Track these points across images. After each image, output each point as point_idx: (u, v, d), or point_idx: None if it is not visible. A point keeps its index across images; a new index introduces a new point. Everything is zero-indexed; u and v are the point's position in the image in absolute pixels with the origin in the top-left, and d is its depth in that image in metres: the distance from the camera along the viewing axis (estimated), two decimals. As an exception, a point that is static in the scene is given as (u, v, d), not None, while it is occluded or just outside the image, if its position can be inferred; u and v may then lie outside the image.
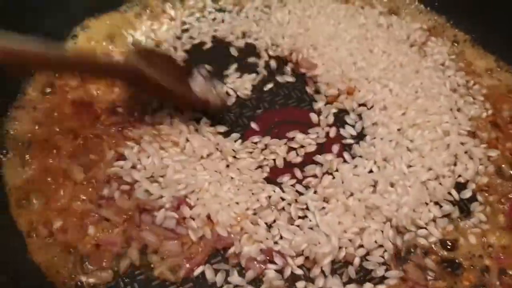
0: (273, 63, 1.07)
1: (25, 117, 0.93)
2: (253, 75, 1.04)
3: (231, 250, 0.78)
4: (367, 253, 0.80)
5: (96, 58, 0.86)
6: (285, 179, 0.87)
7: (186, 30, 1.11)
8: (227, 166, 0.88)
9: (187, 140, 0.90)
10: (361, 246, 0.81)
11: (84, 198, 0.84)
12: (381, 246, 0.81)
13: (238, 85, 1.02)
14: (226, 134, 0.93)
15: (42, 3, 0.97)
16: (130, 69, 0.82)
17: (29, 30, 0.86)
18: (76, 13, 1.06)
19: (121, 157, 0.88)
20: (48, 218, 0.82)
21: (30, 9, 0.94)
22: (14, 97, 0.95)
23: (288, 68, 1.06)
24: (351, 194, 0.85)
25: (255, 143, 0.92)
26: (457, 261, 0.80)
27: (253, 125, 0.95)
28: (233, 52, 1.08)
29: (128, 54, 0.86)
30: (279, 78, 1.04)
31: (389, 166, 0.90)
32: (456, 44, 1.13)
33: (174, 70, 0.90)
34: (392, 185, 0.87)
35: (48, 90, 0.97)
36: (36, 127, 0.92)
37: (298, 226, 0.82)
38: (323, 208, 0.83)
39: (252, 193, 0.84)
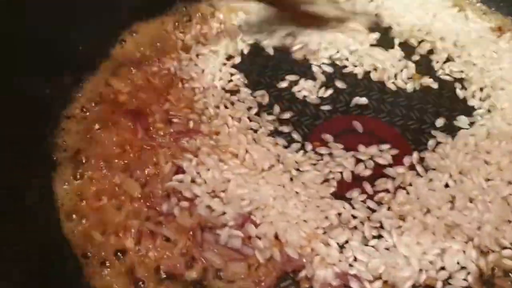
0: (329, 68, 0.99)
1: (75, 128, 0.89)
2: (310, 81, 0.97)
3: (303, 273, 0.73)
4: (449, 276, 0.75)
5: None
6: (355, 194, 0.81)
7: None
8: (291, 179, 0.83)
9: (247, 151, 0.85)
10: (442, 268, 0.75)
11: (142, 215, 0.78)
12: (463, 268, 0.75)
13: (296, 90, 0.97)
14: (286, 144, 0.88)
15: (90, 8, 0.90)
16: None
17: (77, 33, 0.84)
18: (124, 18, 1.01)
19: (179, 170, 0.83)
20: (104, 238, 0.77)
21: (79, 13, 0.88)
22: (64, 106, 0.90)
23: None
24: (428, 211, 0.80)
25: (320, 154, 0.84)
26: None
27: (315, 134, 0.90)
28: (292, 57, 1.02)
29: None
30: (339, 83, 0.96)
31: (466, 180, 0.83)
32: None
33: None
34: (471, 200, 0.81)
35: (98, 99, 0.93)
36: (87, 138, 0.88)
37: (373, 246, 0.76)
38: (399, 226, 0.76)
39: (321, 210, 0.79)
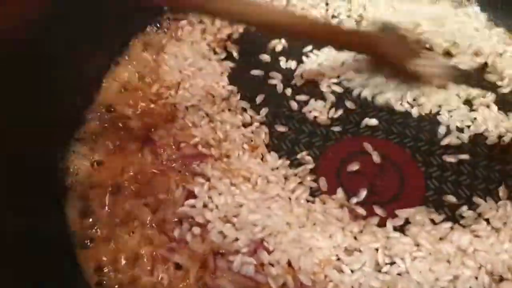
0: (337, 88, 0.99)
1: (85, 151, 0.89)
2: (320, 101, 0.97)
3: None
4: (461, 303, 0.73)
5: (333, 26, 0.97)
6: (369, 220, 0.80)
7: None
8: (303, 205, 0.82)
9: (259, 175, 0.85)
10: (454, 294, 0.74)
11: (154, 241, 0.79)
12: (475, 294, 0.74)
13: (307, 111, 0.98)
14: (296, 167, 0.89)
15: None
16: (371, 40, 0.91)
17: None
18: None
19: (190, 194, 0.83)
20: (117, 265, 0.77)
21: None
22: (75, 128, 0.91)
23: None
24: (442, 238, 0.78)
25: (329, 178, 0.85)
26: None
27: (325, 159, 0.90)
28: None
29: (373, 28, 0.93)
30: (349, 104, 0.97)
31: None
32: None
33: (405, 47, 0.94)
34: (497, 230, 0.81)
35: (105, 124, 0.93)
36: (96, 162, 0.89)
37: (385, 272, 0.75)
38: (413, 252, 0.76)
39: (334, 236, 0.78)
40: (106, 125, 0.94)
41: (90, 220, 0.82)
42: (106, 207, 0.84)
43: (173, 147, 0.91)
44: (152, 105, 0.97)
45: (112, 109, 0.96)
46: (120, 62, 1.03)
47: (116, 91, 0.99)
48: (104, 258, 0.79)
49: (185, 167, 0.88)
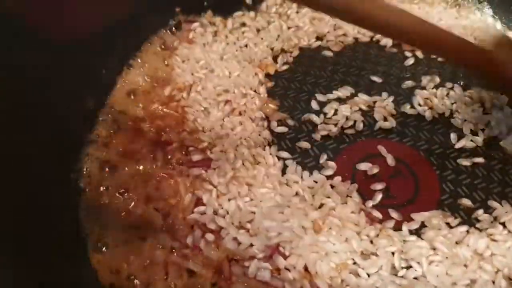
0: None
1: (98, 154, 0.90)
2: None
3: None
4: (479, 307, 0.73)
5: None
6: (385, 223, 0.80)
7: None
8: (317, 209, 0.81)
9: (271, 180, 0.86)
10: (472, 298, 0.74)
11: (167, 247, 0.79)
12: (492, 298, 0.74)
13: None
14: (310, 172, 0.89)
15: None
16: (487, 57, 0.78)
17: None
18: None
19: (199, 201, 0.84)
20: (130, 270, 0.78)
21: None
22: (88, 131, 0.92)
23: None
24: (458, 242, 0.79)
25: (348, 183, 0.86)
26: None
27: (338, 162, 0.91)
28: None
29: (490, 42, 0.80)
30: (363, 106, 0.97)
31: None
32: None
33: None
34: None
35: (116, 126, 0.95)
36: (108, 166, 0.89)
37: (402, 276, 0.75)
38: (430, 256, 0.75)
39: (350, 240, 0.77)
40: (118, 128, 0.94)
41: (103, 223, 0.82)
42: (118, 210, 0.84)
43: (183, 151, 0.91)
44: (164, 108, 0.97)
45: (124, 112, 0.96)
46: (132, 65, 1.04)
47: (128, 94, 0.99)
48: (117, 262, 0.78)
49: (193, 173, 0.88)
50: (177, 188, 0.86)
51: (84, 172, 0.88)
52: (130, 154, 0.91)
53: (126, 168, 0.89)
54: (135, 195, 0.86)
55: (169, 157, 0.90)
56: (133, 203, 0.85)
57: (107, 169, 0.89)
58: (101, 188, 0.87)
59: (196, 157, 0.90)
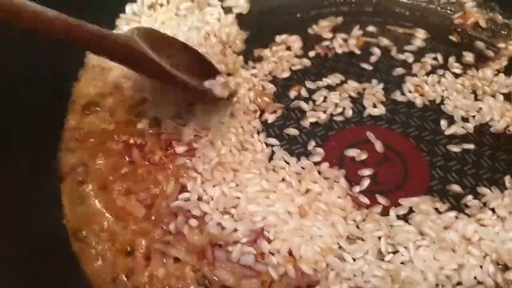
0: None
1: (72, 151, 0.90)
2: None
3: None
4: (466, 291, 0.73)
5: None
6: (372, 209, 0.80)
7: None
8: (304, 195, 0.81)
9: (255, 167, 0.86)
10: (459, 283, 0.75)
11: (149, 234, 0.79)
12: (480, 283, 0.75)
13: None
14: (298, 158, 0.89)
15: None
16: (126, 45, 0.78)
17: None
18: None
19: (184, 188, 0.84)
20: (112, 259, 0.78)
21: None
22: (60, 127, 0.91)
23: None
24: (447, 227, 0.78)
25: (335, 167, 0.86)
26: None
27: (326, 148, 0.90)
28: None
29: (130, 32, 0.82)
30: (352, 93, 0.98)
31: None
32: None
33: (184, 57, 0.88)
34: (502, 219, 0.81)
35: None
36: (83, 162, 0.89)
37: (388, 261, 0.74)
38: (417, 241, 0.75)
39: (336, 225, 0.76)
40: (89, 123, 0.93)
41: (83, 210, 0.83)
42: (97, 203, 0.84)
43: (163, 145, 0.90)
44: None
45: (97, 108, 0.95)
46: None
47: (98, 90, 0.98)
48: (100, 250, 0.79)
49: (176, 163, 0.87)
50: (159, 178, 0.85)
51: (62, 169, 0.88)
52: (104, 154, 0.89)
53: (102, 166, 0.88)
54: (113, 189, 0.85)
55: (145, 150, 0.89)
56: (112, 197, 0.84)
57: (80, 167, 0.88)
58: (78, 183, 0.86)
59: (180, 149, 0.89)
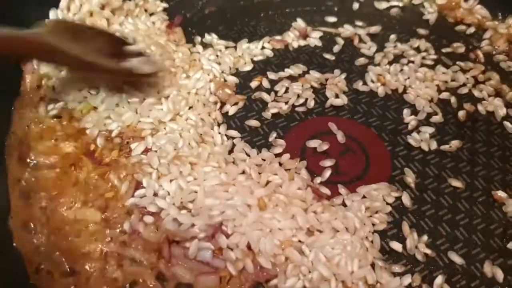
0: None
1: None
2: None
3: (273, 282, 0.72)
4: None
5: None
6: (333, 200, 0.80)
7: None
8: (263, 187, 0.79)
9: (214, 160, 0.83)
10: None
11: (105, 238, 0.76)
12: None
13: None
14: (258, 150, 0.87)
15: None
16: (36, 42, 0.78)
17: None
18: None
19: (139, 185, 0.81)
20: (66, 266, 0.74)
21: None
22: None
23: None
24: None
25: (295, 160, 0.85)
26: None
27: (288, 140, 0.89)
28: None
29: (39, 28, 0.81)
30: (314, 83, 0.96)
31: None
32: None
33: (103, 43, 0.88)
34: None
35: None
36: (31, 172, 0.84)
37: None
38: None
39: (296, 217, 0.75)
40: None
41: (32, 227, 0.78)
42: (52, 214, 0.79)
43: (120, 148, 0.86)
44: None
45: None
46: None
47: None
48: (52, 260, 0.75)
49: (131, 160, 0.84)
50: (111, 180, 0.82)
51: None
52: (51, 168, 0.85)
53: (51, 180, 0.83)
54: (66, 202, 0.80)
55: (95, 154, 0.85)
56: (68, 209, 0.80)
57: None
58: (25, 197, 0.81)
59: (134, 145, 0.86)
